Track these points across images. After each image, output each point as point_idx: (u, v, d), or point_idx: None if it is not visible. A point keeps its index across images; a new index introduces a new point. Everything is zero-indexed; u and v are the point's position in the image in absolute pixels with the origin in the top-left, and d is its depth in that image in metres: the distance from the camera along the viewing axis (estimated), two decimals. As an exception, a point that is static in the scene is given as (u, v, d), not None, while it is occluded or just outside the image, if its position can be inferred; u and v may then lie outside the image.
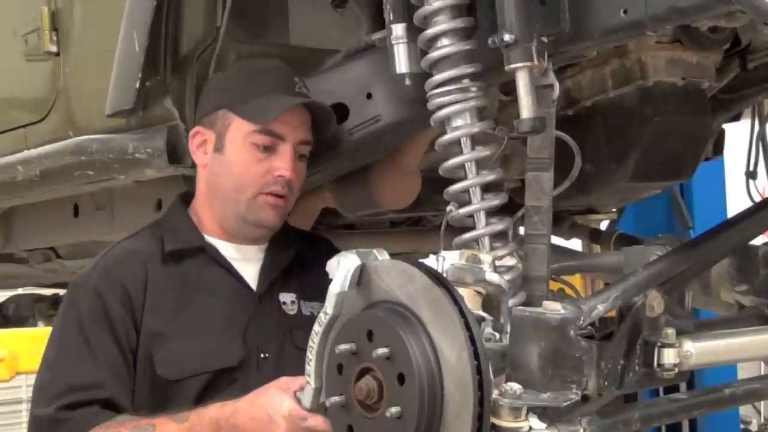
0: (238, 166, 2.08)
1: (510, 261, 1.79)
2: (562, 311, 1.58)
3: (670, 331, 1.69)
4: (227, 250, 2.14)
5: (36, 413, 1.99)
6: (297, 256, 2.20)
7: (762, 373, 4.43)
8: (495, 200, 1.80)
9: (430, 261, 1.69)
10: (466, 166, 1.79)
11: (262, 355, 2.07)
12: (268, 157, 2.07)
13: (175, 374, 2.01)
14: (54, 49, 2.66)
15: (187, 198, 2.23)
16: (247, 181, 2.08)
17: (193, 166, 2.20)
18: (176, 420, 1.87)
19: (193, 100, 2.25)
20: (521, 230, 1.82)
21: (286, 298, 2.16)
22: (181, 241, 2.13)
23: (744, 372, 4.50)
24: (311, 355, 1.73)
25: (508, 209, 1.82)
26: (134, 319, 2.02)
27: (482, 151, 1.79)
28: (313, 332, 1.73)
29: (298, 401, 1.76)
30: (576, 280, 4.36)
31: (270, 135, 2.06)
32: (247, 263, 2.15)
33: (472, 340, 1.51)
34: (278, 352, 2.09)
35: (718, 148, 2.90)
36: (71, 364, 2.00)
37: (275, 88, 2.08)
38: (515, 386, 1.53)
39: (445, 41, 1.77)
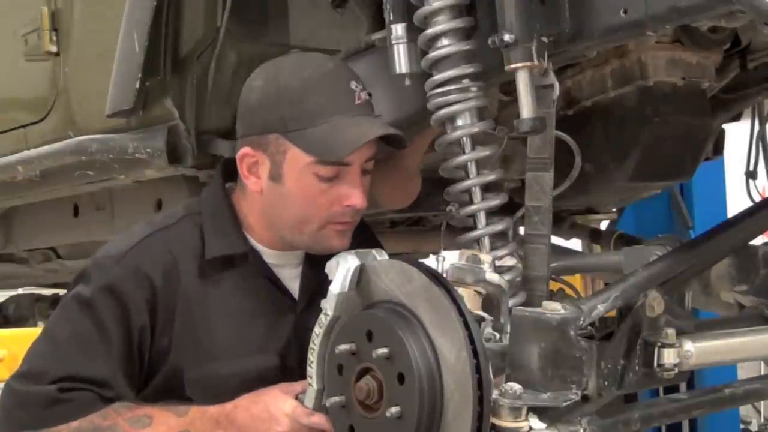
0: (302, 199, 1.87)
1: (510, 261, 1.79)
2: (562, 311, 1.58)
3: (670, 331, 1.69)
4: (270, 257, 1.98)
5: (29, 389, 1.86)
6: None
7: (762, 373, 4.43)
8: (495, 200, 1.80)
9: (430, 261, 1.70)
10: (467, 166, 1.79)
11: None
12: (334, 185, 1.86)
13: (205, 398, 1.88)
14: (54, 49, 2.66)
15: (227, 172, 2.00)
16: (313, 214, 1.88)
17: (196, 168, 2.18)
18: (176, 413, 1.83)
19: (193, 100, 2.25)
20: (521, 230, 1.82)
21: None
22: (225, 247, 1.94)
23: (744, 372, 4.50)
24: (312, 357, 1.73)
25: (508, 209, 1.82)
26: (154, 322, 1.88)
27: (482, 151, 1.79)
28: (314, 334, 1.73)
29: (301, 403, 1.76)
30: (576, 280, 4.36)
31: (336, 164, 1.84)
32: (288, 269, 2.00)
33: (471, 339, 1.52)
34: None
35: (718, 148, 2.90)
36: (81, 354, 1.87)
37: (335, 108, 1.83)
38: (515, 386, 1.53)
39: (445, 41, 1.77)
